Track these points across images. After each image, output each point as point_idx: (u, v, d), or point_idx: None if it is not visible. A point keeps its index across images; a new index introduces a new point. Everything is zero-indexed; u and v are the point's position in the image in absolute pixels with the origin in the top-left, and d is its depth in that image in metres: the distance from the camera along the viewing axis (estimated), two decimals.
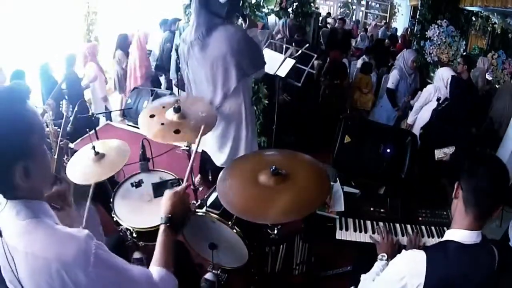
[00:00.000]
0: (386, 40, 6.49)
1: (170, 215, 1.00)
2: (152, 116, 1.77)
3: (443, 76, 3.25)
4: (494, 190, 1.04)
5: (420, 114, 3.45)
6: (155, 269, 0.94)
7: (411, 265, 1.06)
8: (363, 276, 1.34)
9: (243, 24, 2.26)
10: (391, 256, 1.42)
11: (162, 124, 1.72)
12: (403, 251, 1.14)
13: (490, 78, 4.67)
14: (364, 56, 5.09)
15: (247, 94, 2.18)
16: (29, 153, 0.76)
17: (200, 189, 2.75)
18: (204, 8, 1.91)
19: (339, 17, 6.70)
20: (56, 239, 0.77)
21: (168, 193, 1.04)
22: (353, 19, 10.25)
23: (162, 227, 0.99)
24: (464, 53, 5.20)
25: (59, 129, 1.99)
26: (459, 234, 1.06)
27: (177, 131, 1.69)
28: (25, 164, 0.74)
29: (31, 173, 0.76)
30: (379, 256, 1.43)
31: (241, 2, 2.75)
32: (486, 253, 1.05)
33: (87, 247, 0.76)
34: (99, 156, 1.76)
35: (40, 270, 0.75)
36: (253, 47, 2.03)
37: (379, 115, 4.22)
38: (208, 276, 1.87)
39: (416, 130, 3.30)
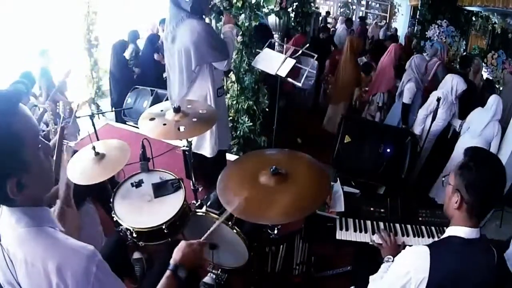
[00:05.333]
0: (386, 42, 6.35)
1: (177, 264, 1.03)
2: (152, 119, 1.78)
3: (456, 86, 3.08)
4: (501, 191, 1.06)
5: (427, 123, 3.16)
6: None
7: (415, 260, 1.08)
8: (371, 277, 1.35)
9: (222, 20, 2.51)
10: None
11: (164, 124, 1.73)
12: (407, 247, 1.16)
13: (490, 78, 4.68)
14: (363, 57, 5.10)
15: (211, 85, 2.33)
16: (22, 168, 0.73)
17: (200, 189, 2.75)
18: (174, 3, 2.14)
19: (322, 25, 6.61)
20: (58, 252, 0.75)
21: (183, 243, 1.08)
22: (353, 18, 10.24)
23: (167, 272, 1.02)
24: (464, 53, 5.21)
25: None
26: (462, 230, 1.08)
27: (180, 128, 1.71)
28: (17, 179, 0.72)
29: (25, 185, 0.74)
30: (385, 258, 1.44)
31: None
32: (486, 249, 1.08)
33: (89, 266, 0.75)
34: (100, 156, 1.76)
35: (39, 279, 0.74)
36: (214, 39, 2.20)
37: (392, 116, 4.03)
38: (207, 279, 1.86)
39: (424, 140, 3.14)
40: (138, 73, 4.76)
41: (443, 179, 1.18)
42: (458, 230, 1.09)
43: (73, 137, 3.35)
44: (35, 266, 0.74)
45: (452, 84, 3.12)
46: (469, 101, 3.21)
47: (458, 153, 3.12)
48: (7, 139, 0.70)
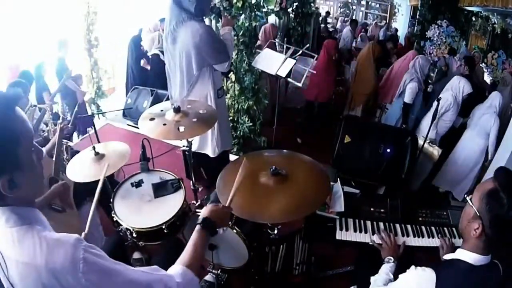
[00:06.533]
0: (390, 46, 5.78)
1: (205, 217, 1.07)
2: (152, 119, 1.78)
3: (463, 88, 3.14)
4: None
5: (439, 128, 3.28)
6: (177, 268, 0.92)
7: (420, 284, 1.05)
8: (372, 278, 1.34)
9: (220, 21, 2.53)
10: (397, 258, 1.42)
11: (165, 124, 1.73)
12: (412, 267, 1.11)
13: (490, 78, 4.68)
14: None
15: (212, 87, 2.33)
16: (15, 165, 0.74)
17: (200, 189, 2.75)
18: (175, 3, 2.11)
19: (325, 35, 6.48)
20: (44, 246, 0.75)
21: (210, 205, 1.13)
22: (353, 18, 10.24)
23: (197, 227, 1.05)
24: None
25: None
26: (471, 256, 1.03)
27: (180, 128, 1.72)
28: (10, 177, 0.73)
29: (17, 184, 0.74)
30: (386, 259, 1.42)
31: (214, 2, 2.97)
32: (493, 272, 1.03)
33: (75, 252, 0.74)
34: (99, 156, 1.76)
35: (31, 277, 0.74)
36: (215, 41, 2.20)
37: (391, 115, 4.03)
38: (208, 277, 1.86)
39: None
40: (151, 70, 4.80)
41: (465, 195, 1.07)
42: (468, 256, 1.03)
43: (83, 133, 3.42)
44: (26, 264, 0.74)
45: (459, 85, 3.16)
46: (475, 101, 3.23)
47: (461, 145, 3.24)
48: (3, 135, 0.71)
